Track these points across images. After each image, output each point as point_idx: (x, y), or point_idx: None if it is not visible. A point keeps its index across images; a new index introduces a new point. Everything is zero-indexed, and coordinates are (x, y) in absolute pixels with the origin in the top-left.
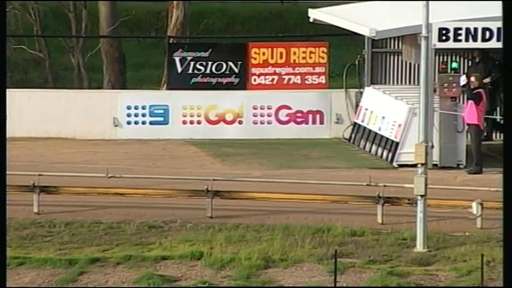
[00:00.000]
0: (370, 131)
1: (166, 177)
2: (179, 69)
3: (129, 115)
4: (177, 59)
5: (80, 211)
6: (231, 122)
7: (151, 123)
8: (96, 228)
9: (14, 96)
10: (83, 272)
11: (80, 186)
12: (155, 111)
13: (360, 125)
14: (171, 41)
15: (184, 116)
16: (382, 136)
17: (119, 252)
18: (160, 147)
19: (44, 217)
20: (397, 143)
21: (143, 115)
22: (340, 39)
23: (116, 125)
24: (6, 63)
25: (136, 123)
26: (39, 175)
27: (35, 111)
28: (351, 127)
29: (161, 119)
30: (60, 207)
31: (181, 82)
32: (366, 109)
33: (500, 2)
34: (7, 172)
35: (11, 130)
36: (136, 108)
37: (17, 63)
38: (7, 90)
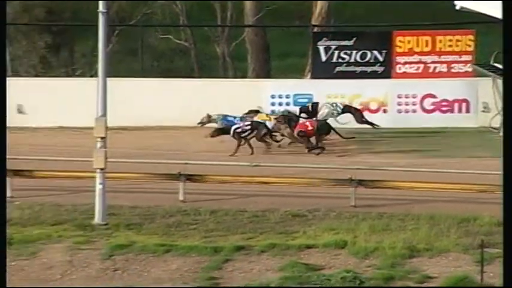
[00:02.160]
0: None
1: (311, 165)
2: (323, 58)
3: (273, 104)
4: (321, 48)
5: (224, 199)
6: (376, 111)
7: None
8: (241, 217)
9: (161, 85)
10: (228, 259)
11: (225, 174)
12: (299, 100)
13: None
14: (315, 30)
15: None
16: None
17: (263, 241)
18: None
19: (189, 205)
20: None
21: (287, 104)
22: (488, 27)
23: None
24: (6, 61)
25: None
26: (185, 164)
27: (181, 100)
28: (499, 116)
29: None
30: (205, 196)
31: (326, 71)
32: None
33: (500, 1)
34: (154, 160)
35: (160, 119)
36: (280, 97)
37: (164, 52)
38: (154, 79)
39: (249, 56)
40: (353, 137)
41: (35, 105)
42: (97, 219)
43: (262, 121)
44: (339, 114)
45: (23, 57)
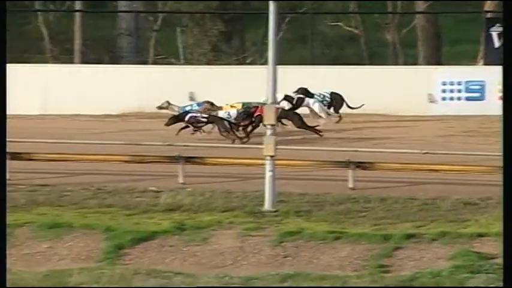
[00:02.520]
0: None
1: (482, 153)
2: (496, 45)
3: (444, 91)
4: (494, 34)
5: (394, 187)
6: None
7: (467, 99)
8: (411, 204)
9: (330, 73)
10: (398, 247)
11: (395, 162)
12: (471, 87)
13: None
14: (488, 16)
15: (501, 92)
16: None
17: (433, 229)
18: (476, 123)
19: (358, 192)
20: None
21: (459, 91)
22: None
23: (431, 101)
24: (6, 59)
25: (451, 99)
26: (355, 151)
27: (351, 88)
28: None
29: (477, 94)
30: (375, 183)
31: (499, 57)
32: None
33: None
34: (323, 148)
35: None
36: (451, 84)
37: (333, 40)
38: (323, 66)
39: (420, 43)
40: (321, 133)
41: (207, 93)
42: (267, 206)
43: (223, 114)
44: (328, 103)
45: (194, 45)
